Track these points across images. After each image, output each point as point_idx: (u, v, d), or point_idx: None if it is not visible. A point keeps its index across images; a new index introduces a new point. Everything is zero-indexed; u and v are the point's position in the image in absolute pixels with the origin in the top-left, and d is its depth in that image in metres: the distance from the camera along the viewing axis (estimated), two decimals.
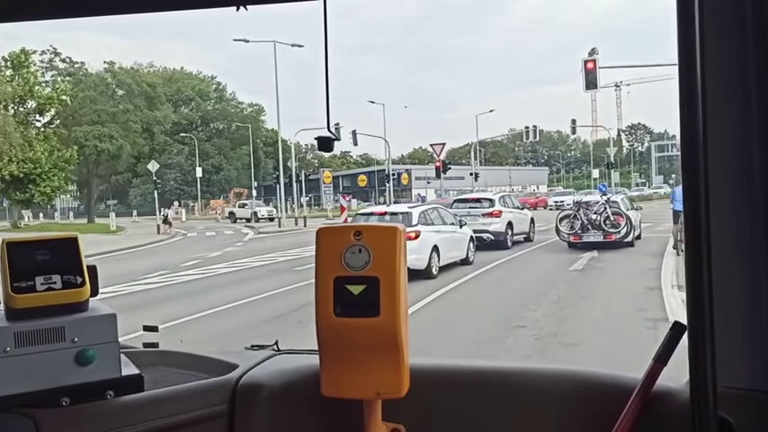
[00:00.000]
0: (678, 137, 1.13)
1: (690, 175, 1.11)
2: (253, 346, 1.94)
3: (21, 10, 1.48)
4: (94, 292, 1.44)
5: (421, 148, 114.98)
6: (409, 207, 17.33)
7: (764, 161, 1.18)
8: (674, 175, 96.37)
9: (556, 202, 44.52)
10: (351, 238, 1.37)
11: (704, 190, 1.10)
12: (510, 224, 20.43)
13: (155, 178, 43.80)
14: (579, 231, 19.18)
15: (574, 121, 49.94)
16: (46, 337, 1.36)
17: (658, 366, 1.32)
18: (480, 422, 1.50)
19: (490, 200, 20.83)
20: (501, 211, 20.20)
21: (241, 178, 77.33)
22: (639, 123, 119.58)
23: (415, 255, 13.27)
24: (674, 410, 1.32)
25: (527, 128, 50.59)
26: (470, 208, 20.56)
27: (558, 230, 19.50)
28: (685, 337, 1.18)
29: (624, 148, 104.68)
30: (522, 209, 22.36)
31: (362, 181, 71.28)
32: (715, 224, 1.12)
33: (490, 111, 69.78)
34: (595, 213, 19.28)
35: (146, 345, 1.92)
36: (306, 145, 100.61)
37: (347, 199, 29.64)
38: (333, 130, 1.50)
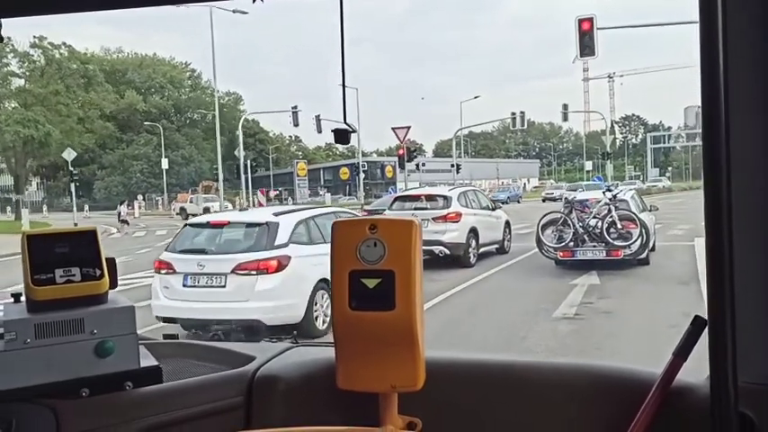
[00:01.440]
0: (697, 126, 1.04)
1: (711, 167, 1.09)
2: (271, 338, 1.95)
3: (22, 6, 1.48)
4: (113, 285, 1.42)
5: (409, 139, 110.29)
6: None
7: None
8: (669, 168, 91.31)
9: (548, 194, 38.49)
10: (366, 231, 1.33)
11: (726, 182, 1.08)
12: (474, 231, 14.18)
13: (71, 169, 37.25)
14: (571, 244, 12.87)
15: (565, 107, 43.72)
16: (66, 328, 1.35)
17: (678, 361, 1.28)
18: (496, 416, 1.46)
19: (445, 197, 14.49)
20: (459, 214, 13.89)
21: (215, 171, 71.69)
22: (633, 115, 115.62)
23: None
24: (693, 405, 1.29)
25: (513, 114, 44.21)
26: (416, 209, 14.26)
27: (539, 242, 13.15)
28: (706, 331, 1.16)
29: (617, 140, 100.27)
30: (493, 209, 15.99)
31: (345, 174, 66.91)
32: (736, 217, 1.11)
33: (475, 97, 63.36)
34: (595, 218, 12.98)
35: (165, 336, 1.95)
36: (290, 136, 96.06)
37: (265, 193, 23.08)
38: (348, 123, 1.47)
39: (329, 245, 1.35)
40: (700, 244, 12.49)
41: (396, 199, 15.42)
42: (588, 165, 65.27)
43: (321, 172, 75.06)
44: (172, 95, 74.09)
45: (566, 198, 13.67)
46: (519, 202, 47.34)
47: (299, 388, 1.56)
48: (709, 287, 1.11)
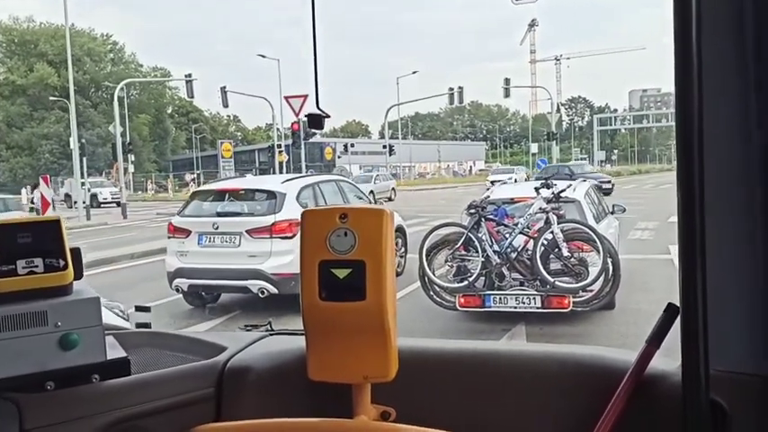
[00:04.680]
0: (672, 104, 0.83)
1: (684, 153, 1.07)
2: (246, 326, 1.91)
3: None
4: (78, 276, 1.38)
5: (355, 120, 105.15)
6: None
7: (764, 138, 1.13)
8: (615, 151, 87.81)
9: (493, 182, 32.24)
10: (336, 221, 1.31)
11: (699, 168, 1.07)
12: None
13: None
14: (479, 283, 6.96)
15: (507, 81, 38.00)
16: (28, 321, 1.31)
17: (651, 349, 1.27)
18: (470, 403, 1.43)
19: (272, 194, 8.28)
20: (298, 222, 7.76)
21: (140, 151, 65.23)
22: (580, 97, 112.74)
23: None
24: (666, 393, 1.28)
25: (451, 89, 38.37)
26: (220, 215, 8.19)
27: (424, 279, 7.12)
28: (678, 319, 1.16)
29: (564, 122, 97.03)
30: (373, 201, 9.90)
31: (282, 156, 61.26)
32: (709, 204, 1.09)
33: (413, 72, 57.57)
34: (524, 234, 7.09)
35: (138, 325, 1.94)
36: (228, 116, 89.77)
37: (48, 182, 16.52)
38: (320, 107, 1.54)
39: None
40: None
41: (193, 196, 9.10)
42: (534, 147, 62.12)
43: (256, 153, 69.59)
44: (90, 69, 66.89)
45: (472, 203, 7.30)
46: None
47: (271, 379, 1.51)
48: (681, 274, 1.10)
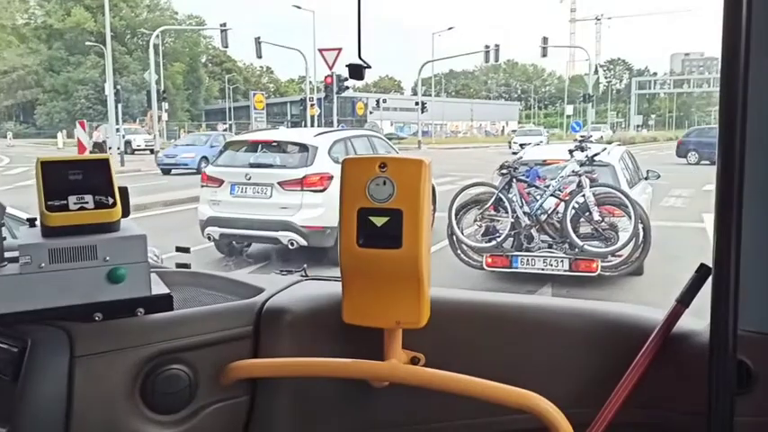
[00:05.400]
0: (718, 69, 1.08)
1: (727, 113, 1.07)
2: (282, 270, 1.93)
3: None
4: (125, 213, 1.43)
5: (387, 76, 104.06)
6: None
7: None
8: (653, 116, 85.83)
9: (521, 144, 30.86)
10: (376, 169, 1.32)
11: (740, 129, 1.06)
12: None
13: None
14: (508, 243, 6.97)
15: (545, 40, 37.04)
16: (79, 254, 1.37)
17: (680, 307, 1.29)
18: (496, 353, 1.46)
19: (304, 147, 8.29)
20: (327, 177, 7.82)
21: (173, 100, 65.59)
22: (619, 59, 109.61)
23: None
24: (693, 351, 1.29)
25: (487, 47, 37.62)
26: (252, 166, 8.26)
27: (452, 237, 7.15)
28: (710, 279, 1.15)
29: (601, 84, 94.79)
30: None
31: (313, 109, 60.92)
32: (749, 166, 1.08)
33: (449, 28, 56.56)
34: (555, 197, 7.05)
35: (178, 265, 1.95)
36: (261, 67, 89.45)
37: (89, 130, 16.57)
38: (363, 58, 1.50)
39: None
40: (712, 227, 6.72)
41: (227, 146, 9.18)
42: (569, 109, 60.93)
43: (288, 106, 69.31)
44: (126, 15, 66.98)
45: (504, 164, 7.24)
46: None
47: (306, 321, 1.55)
48: (715, 234, 1.10)
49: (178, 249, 2.18)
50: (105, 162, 1.43)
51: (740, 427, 1.14)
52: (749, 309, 1.16)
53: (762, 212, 1.16)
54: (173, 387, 1.42)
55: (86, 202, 1.37)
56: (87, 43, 56.95)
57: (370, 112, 52.52)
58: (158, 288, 1.49)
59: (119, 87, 33.06)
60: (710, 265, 1.15)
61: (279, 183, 8.12)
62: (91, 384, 1.35)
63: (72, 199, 1.37)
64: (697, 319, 1.33)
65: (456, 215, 7.05)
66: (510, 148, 33.75)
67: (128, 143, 34.10)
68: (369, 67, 1.57)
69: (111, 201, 1.39)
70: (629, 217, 6.60)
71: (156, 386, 1.41)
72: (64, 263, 1.36)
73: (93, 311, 1.39)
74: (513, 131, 57.35)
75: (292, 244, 7.92)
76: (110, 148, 27.84)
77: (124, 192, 1.44)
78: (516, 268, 6.84)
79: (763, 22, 1.10)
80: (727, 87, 1.06)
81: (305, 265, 1.93)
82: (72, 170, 1.39)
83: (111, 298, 1.39)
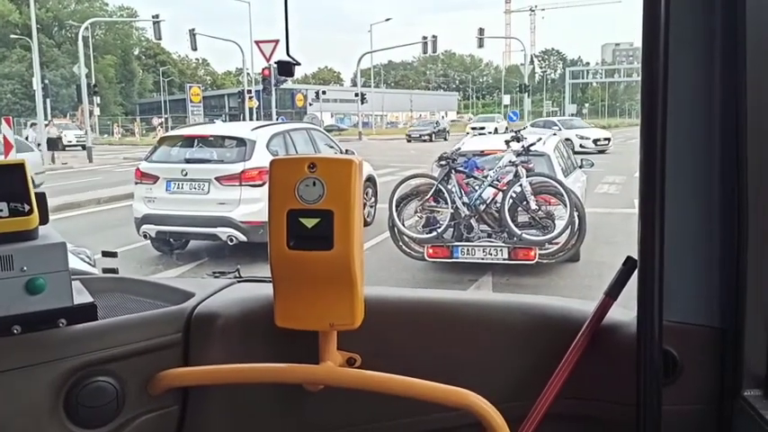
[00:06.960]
0: (639, 64, 1.10)
1: (648, 108, 1.08)
2: (214, 273, 1.91)
3: None
4: (44, 220, 1.37)
5: (327, 67, 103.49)
6: None
7: (725, 96, 1.15)
8: (586, 104, 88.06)
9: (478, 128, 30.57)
10: (305, 170, 1.31)
11: (661, 124, 1.08)
12: None
13: None
14: (448, 234, 7.02)
15: (481, 31, 37.56)
16: None
17: (608, 300, 1.32)
18: (434, 350, 1.46)
19: (240, 140, 8.21)
20: (264, 172, 7.72)
21: (105, 93, 63.46)
22: (553, 49, 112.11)
23: None
24: (621, 341, 1.31)
25: (425, 38, 37.89)
26: (189, 161, 8.10)
27: (393, 229, 7.16)
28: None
29: (537, 74, 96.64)
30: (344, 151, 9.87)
31: (252, 102, 60.12)
32: (670, 159, 1.10)
33: (387, 19, 56.54)
34: (493, 187, 7.13)
35: (105, 270, 1.92)
36: (197, 59, 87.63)
37: (10, 124, 15.70)
38: (291, 54, 1.47)
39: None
40: None
41: (161, 141, 8.95)
42: (506, 99, 62.08)
43: (226, 98, 68.18)
44: (53, 7, 64.60)
45: (443, 155, 7.31)
46: (446, 139, 35.97)
47: (238, 325, 1.51)
48: (640, 227, 1.12)
49: (105, 254, 2.10)
50: (20, 166, 1.36)
51: (668, 414, 1.16)
52: (673, 300, 1.19)
53: (684, 205, 1.19)
54: (99, 400, 1.37)
55: (0, 210, 1.31)
56: (12, 36, 54.63)
57: (310, 104, 52.05)
58: (81, 297, 1.43)
59: (47, 82, 31.84)
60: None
61: (216, 178, 8.00)
62: (11, 401, 1.29)
63: None
64: (626, 311, 1.35)
65: (397, 207, 7.07)
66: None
67: (58, 139, 32.93)
68: (298, 63, 1.54)
69: (27, 207, 1.33)
70: (565, 205, 6.74)
71: (81, 400, 1.35)
72: None
73: (12, 324, 1.32)
74: (453, 121, 57.98)
75: (231, 240, 7.80)
76: (38, 144, 26.79)
77: (42, 197, 1.38)
78: (457, 258, 6.90)
79: (681, 16, 1.11)
80: (649, 82, 1.08)
81: (238, 266, 1.89)
82: None
83: (30, 309, 1.33)
